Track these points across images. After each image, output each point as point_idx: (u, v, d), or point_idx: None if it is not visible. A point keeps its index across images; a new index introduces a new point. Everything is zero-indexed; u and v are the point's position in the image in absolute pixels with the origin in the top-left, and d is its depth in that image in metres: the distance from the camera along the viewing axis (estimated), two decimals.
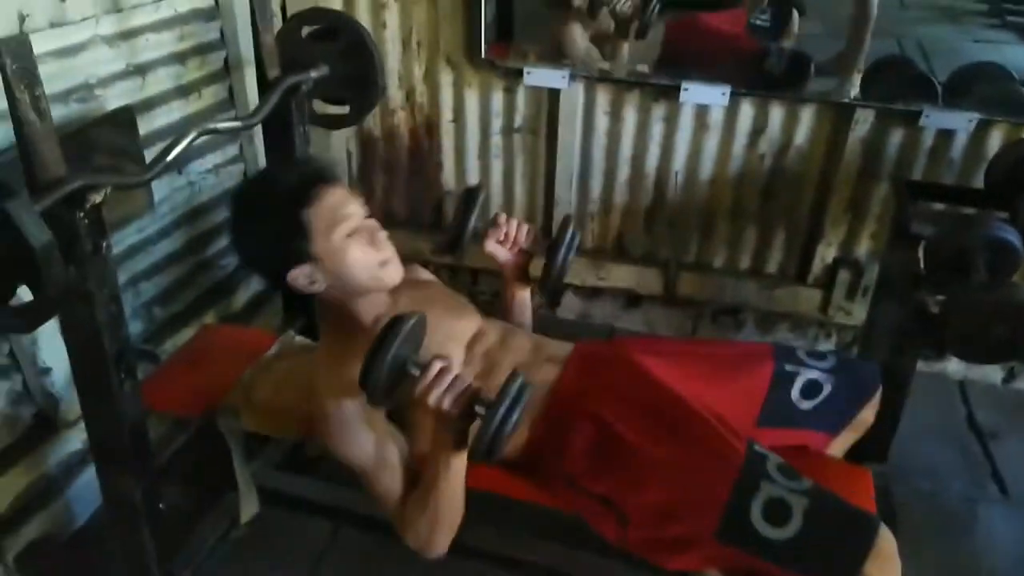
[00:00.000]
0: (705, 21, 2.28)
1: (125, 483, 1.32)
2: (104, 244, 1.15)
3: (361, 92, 1.71)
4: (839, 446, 1.43)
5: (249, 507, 1.62)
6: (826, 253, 2.31)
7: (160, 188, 1.97)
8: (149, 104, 1.89)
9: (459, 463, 1.17)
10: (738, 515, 1.11)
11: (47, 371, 1.64)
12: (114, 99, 1.76)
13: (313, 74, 1.62)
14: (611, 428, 1.23)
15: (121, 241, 1.88)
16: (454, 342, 1.37)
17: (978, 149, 2.08)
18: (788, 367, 1.36)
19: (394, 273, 1.33)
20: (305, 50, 1.68)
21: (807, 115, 2.16)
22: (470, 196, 1.51)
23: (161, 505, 1.40)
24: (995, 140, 2.06)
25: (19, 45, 1.01)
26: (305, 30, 1.71)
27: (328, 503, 1.65)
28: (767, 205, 2.32)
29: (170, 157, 1.26)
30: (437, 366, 1.11)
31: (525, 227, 1.52)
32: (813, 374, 1.36)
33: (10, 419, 1.60)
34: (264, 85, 1.59)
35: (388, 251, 1.32)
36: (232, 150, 2.28)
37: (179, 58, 1.96)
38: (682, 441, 1.20)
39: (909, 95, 2.05)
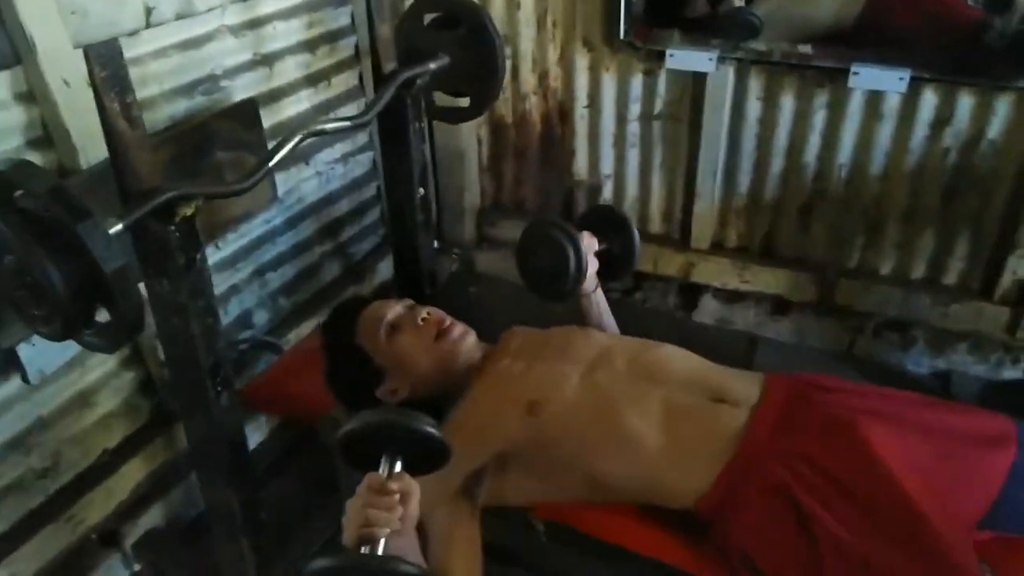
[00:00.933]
0: None
1: (224, 493, 1.30)
2: (198, 256, 1.10)
3: (481, 83, 1.58)
4: None
5: None
6: (1018, 265, 1.96)
7: (287, 179, 1.95)
8: (276, 95, 1.86)
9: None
10: None
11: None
12: (241, 90, 1.74)
13: (432, 66, 1.52)
14: (810, 514, 1.02)
15: (248, 233, 1.88)
16: (547, 380, 1.24)
17: None
18: None
19: (456, 348, 1.31)
20: (427, 39, 1.58)
21: (1004, 105, 1.82)
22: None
23: (263, 515, 1.37)
24: None
25: (108, 51, 0.97)
26: (427, 17, 1.60)
27: None
28: (949, 207, 2.00)
29: (273, 162, 1.20)
30: (389, 486, 0.98)
31: None
32: None
33: (132, 409, 1.63)
34: (378, 78, 1.51)
35: (433, 327, 1.32)
36: (362, 138, 2.24)
37: (308, 46, 1.93)
38: (904, 559, 0.98)
39: None
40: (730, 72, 1.99)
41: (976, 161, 1.91)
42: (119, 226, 0.95)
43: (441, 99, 1.71)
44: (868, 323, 2.19)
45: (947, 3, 2.03)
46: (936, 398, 1.19)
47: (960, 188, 1.96)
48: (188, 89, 1.61)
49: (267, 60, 1.81)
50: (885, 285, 2.13)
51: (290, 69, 1.89)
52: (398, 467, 1.01)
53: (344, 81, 2.09)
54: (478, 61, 1.55)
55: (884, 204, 2.06)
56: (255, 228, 1.90)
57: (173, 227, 1.05)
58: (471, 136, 2.42)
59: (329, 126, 1.33)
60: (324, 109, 2.02)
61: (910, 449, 1.07)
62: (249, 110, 1.70)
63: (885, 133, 1.96)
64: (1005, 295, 2.01)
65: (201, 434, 1.25)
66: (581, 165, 2.34)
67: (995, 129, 1.85)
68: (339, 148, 2.14)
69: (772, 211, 2.19)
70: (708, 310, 2.35)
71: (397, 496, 0.98)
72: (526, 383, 1.22)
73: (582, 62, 2.18)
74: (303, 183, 2.04)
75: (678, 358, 1.29)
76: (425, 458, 1.03)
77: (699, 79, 2.04)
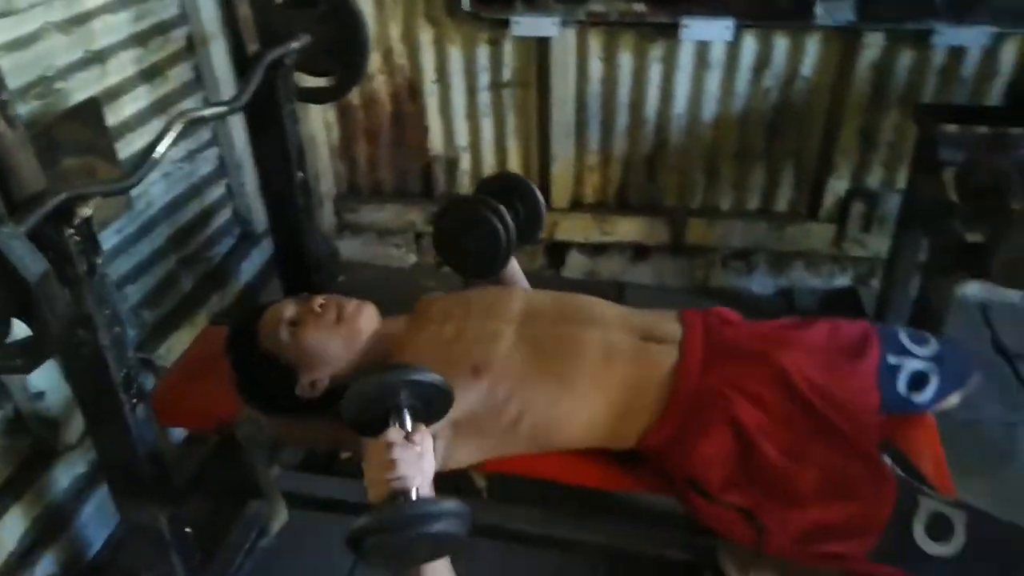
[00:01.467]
0: None
1: (148, 513, 1.22)
2: (99, 261, 1.02)
3: (348, 60, 1.56)
4: None
5: (279, 515, 1.53)
6: (838, 186, 2.24)
7: None
8: (113, 93, 1.73)
9: None
10: (899, 534, 1.06)
11: (39, 396, 1.51)
12: (76, 91, 1.60)
13: (294, 45, 1.48)
14: (752, 440, 1.13)
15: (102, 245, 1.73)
16: (483, 341, 1.26)
17: (991, 66, 2.00)
18: (892, 359, 1.26)
19: (357, 323, 1.31)
20: (281, 19, 1.52)
21: (813, 44, 2.05)
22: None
23: (188, 529, 1.30)
24: (1007, 55, 1.98)
25: None
26: None
27: (360, 501, 1.57)
28: (774, 142, 2.22)
29: (157, 153, 1.12)
30: (413, 437, 1.02)
31: None
32: (917, 364, 1.27)
33: (6, 450, 1.48)
34: (242, 62, 1.44)
35: (332, 309, 1.31)
36: (206, 134, 2.13)
37: (139, 39, 1.80)
38: (831, 459, 1.11)
39: (912, 13, 1.94)
40: (572, 35, 2.09)
41: (793, 98, 2.14)
42: (21, 233, 0.87)
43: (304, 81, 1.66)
44: (716, 256, 2.40)
45: None
46: (804, 319, 1.34)
47: (782, 124, 2.19)
48: (20, 94, 1.47)
49: (99, 57, 1.68)
50: (727, 220, 2.35)
51: (124, 65, 1.76)
52: (409, 422, 1.02)
53: (180, 74, 1.97)
54: (342, 38, 1.52)
55: (718, 147, 2.26)
56: (108, 239, 1.76)
57: (72, 230, 0.97)
58: (318, 121, 2.37)
59: (207, 112, 1.27)
60: (164, 105, 1.90)
61: (807, 368, 1.22)
62: (92, 111, 1.57)
63: (714, 81, 2.14)
64: (829, 214, 2.28)
65: (117, 452, 1.16)
66: (436, 140, 2.36)
67: (808, 66, 2.08)
68: (183, 146, 2.02)
69: (622, 165, 2.33)
70: (575, 265, 2.46)
71: (419, 448, 1.00)
72: (464, 347, 1.24)
73: (426, 37, 2.19)
74: (151, 186, 1.91)
75: (600, 303, 1.35)
76: (428, 407, 1.05)
77: (543, 44, 2.12)
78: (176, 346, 1.90)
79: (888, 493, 1.08)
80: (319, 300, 1.33)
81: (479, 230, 1.46)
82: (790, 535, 1.10)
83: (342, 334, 1.30)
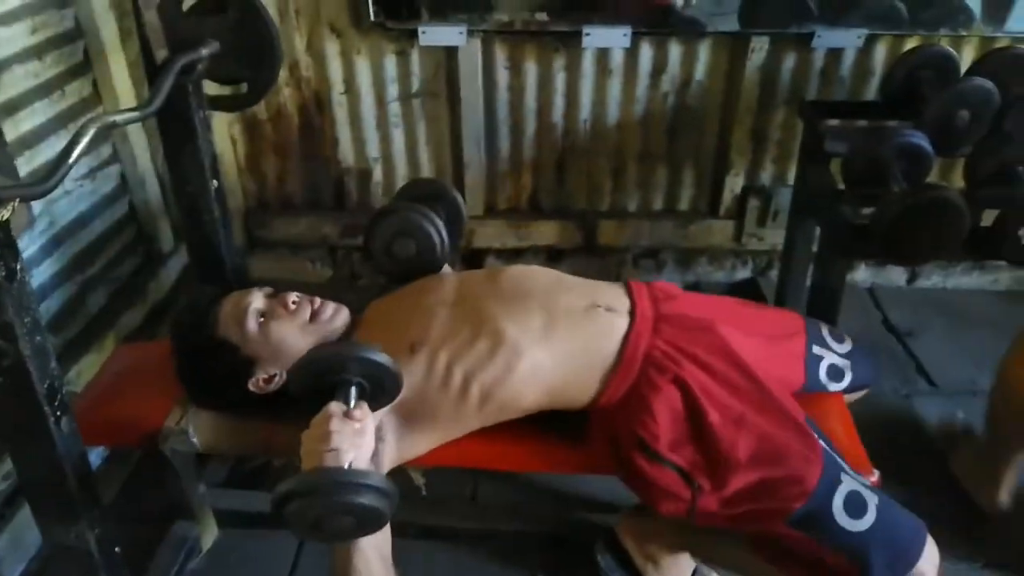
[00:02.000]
0: None
1: (75, 531, 1.17)
2: (19, 266, 0.99)
3: (259, 67, 1.56)
4: None
5: (209, 533, 1.49)
6: (734, 184, 2.37)
7: (35, 202, 1.74)
8: (9, 108, 1.66)
9: None
10: (821, 504, 1.13)
11: None
12: None
13: (204, 52, 1.47)
14: (698, 402, 1.19)
15: None
16: (417, 318, 1.28)
17: (866, 64, 2.17)
18: (816, 349, 1.38)
19: (328, 321, 1.30)
20: (190, 27, 1.51)
21: (705, 49, 2.18)
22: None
23: (117, 548, 1.26)
24: (880, 55, 2.16)
25: None
26: (186, 5, 1.53)
27: None
28: (674, 144, 2.34)
29: (72, 158, 1.09)
30: (353, 413, 1.05)
31: None
32: (834, 359, 1.39)
33: None
34: (151, 68, 1.42)
35: (306, 307, 1.30)
36: (106, 150, 2.05)
37: (34, 52, 1.73)
38: (768, 428, 1.18)
39: (791, 18, 2.10)
40: (478, 44, 2.14)
41: (689, 101, 2.26)
42: None
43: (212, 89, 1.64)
44: (627, 255, 2.50)
45: None
46: (738, 299, 1.44)
47: (680, 127, 2.31)
48: None
49: None
50: (635, 220, 2.45)
51: (19, 79, 1.69)
52: (353, 399, 1.04)
53: (77, 89, 1.90)
54: (252, 44, 1.52)
55: (622, 150, 2.36)
56: None
57: None
58: (223, 137, 2.33)
59: (119, 118, 1.23)
60: (63, 119, 1.83)
61: (745, 340, 1.30)
62: None
63: (615, 86, 2.24)
64: (728, 210, 2.41)
65: (40, 469, 1.11)
66: (346, 152, 2.36)
67: (701, 71, 2.21)
68: (85, 163, 1.95)
69: (533, 170, 2.39)
70: (485, 268, 2.50)
71: (358, 425, 1.01)
72: (402, 329, 1.25)
73: (332, 48, 2.20)
74: (53, 204, 1.83)
75: (540, 272, 1.38)
76: (377, 389, 1.07)
77: (451, 54, 2.16)
78: (86, 370, 1.82)
79: (816, 464, 1.16)
80: (292, 296, 1.31)
81: (413, 237, 1.46)
82: (721, 496, 1.16)
83: (314, 335, 1.29)
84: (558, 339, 1.23)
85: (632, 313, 1.28)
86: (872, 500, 1.15)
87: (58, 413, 1.08)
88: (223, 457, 1.70)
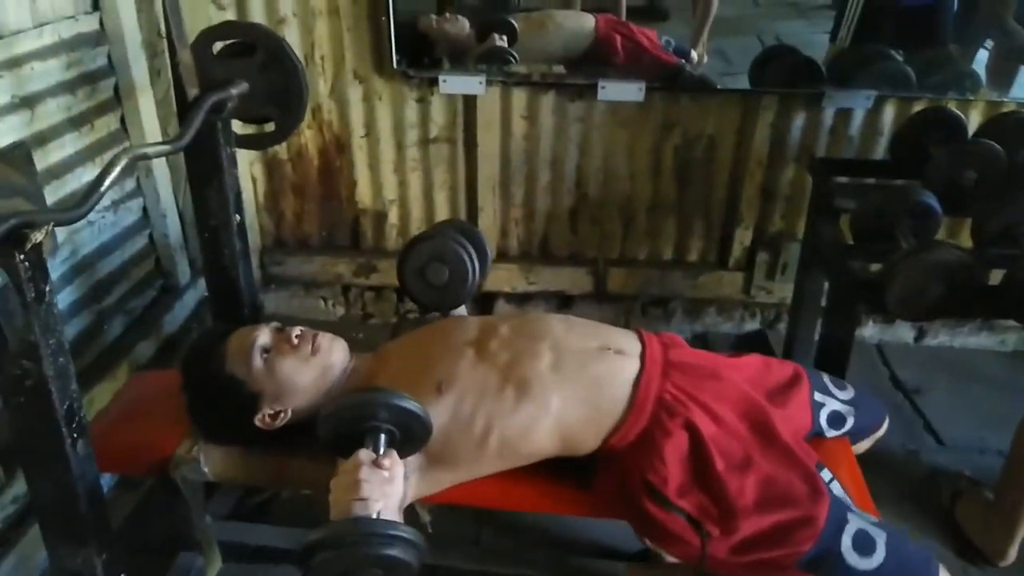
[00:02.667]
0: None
1: (83, 556, 1.18)
2: (47, 288, 1.02)
3: (286, 107, 1.61)
4: None
5: (213, 565, 1.49)
6: (744, 237, 2.40)
7: (61, 230, 1.79)
8: (40, 139, 1.71)
9: None
10: (830, 545, 1.14)
11: None
12: (3, 135, 1.58)
13: (234, 91, 1.52)
14: (706, 448, 1.20)
15: None
16: (445, 360, 1.29)
17: (875, 125, 2.22)
18: (818, 396, 1.40)
19: (328, 356, 1.31)
20: (218, 68, 1.57)
21: (715, 106, 2.23)
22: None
23: (123, 575, 1.26)
24: (888, 116, 2.21)
25: None
26: (217, 47, 1.60)
27: (292, 548, 1.55)
28: (684, 196, 2.38)
29: (104, 186, 1.13)
30: (381, 462, 1.06)
31: None
32: (836, 405, 1.41)
33: None
34: (183, 105, 1.47)
35: (308, 342, 1.31)
36: (129, 184, 2.11)
37: (68, 87, 1.80)
38: (774, 472, 1.20)
39: (801, 80, 2.16)
40: (496, 93, 2.20)
41: (700, 155, 2.31)
42: None
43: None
44: (636, 303, 2.52)
45: (654, 53, 2.36)
46: (735, 354, 1.45)
47: (690, 179, 2.35)
48: None
49: (27, 102, 1.67)
50: (644, 269, 2.47)
51: (52, 112, 1.75)
52: (382, 447, 1.04)
53: (106, 124, 1.97)
54: (279, 85, 1.58)
55: (633, 200, 2.40)
56: None
57: (22, 256, 0.97)
58: (244, 175, 2.38)
59: (150, 150, 1.28)
60: (91, 153, 1.88)
61: (754, 390, 1.32)
62: (21, 154, 1.54)
63: (627, 138, 2.29)
64: (737, 262, 2.43)
65: (55, 490, 1.12)
66: (364, 193, 2.41)
67: (711, 126, 2.26)
68: (109, 195, 2.00)
69: (545, 217, 2.43)
70: (503, 313, 2.52)
71: (387, 473, 1.01)
72: (428, 368, 1.25)
73: (355, 94, 2.26)
74: (76, 234, 1.88)
75: (555, 317, 1.40)
76: (406, 436, 1.07)
77: (470, 102, 2.22)
78: (99, 398, 1.84)
79: (823, 505, 1.17)
80: (295, 331, 1.33)
81: (448, 263, 1.50)
82: (730, 544, 1.16)
83: (316, 369, 1.30)
84: (573, 383, 1.24)
85: (643, 357, 1.30)
86: (880, 537, 1.15)
87: (75, 435, 1.10)
88: (229, 489, 1.71)
